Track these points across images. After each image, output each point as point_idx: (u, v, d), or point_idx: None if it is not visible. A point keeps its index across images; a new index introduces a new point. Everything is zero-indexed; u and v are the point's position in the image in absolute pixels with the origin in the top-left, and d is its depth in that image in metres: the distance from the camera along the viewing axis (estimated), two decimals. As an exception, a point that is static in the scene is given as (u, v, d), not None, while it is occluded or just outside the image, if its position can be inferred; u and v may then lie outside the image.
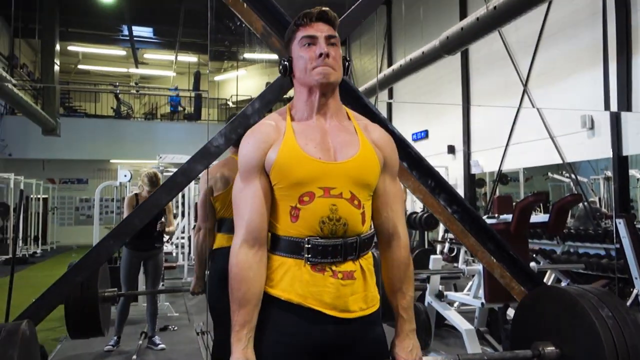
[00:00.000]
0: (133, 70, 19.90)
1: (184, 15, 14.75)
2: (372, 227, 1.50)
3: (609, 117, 7.43)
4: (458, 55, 9.88)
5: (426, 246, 9.09)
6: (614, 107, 7.30)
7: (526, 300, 2.17)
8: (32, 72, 18.11)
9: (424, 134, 12.43)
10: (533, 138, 8.91)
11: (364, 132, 1.49)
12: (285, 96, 2.22)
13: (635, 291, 5.14)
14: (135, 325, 5.26)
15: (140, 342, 4.74)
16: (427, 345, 4.24)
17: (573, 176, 8.52)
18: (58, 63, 14.11)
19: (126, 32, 17.19)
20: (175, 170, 2.95)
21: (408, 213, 8.68)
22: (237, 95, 19.06)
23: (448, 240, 8.24)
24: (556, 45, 8.52)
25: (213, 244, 3.06)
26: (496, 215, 4.98)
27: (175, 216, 8.76)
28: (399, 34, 13.42)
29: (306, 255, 1.36)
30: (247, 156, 1.42)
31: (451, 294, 4.63)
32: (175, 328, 5.46)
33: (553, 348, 1.86)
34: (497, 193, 9.96)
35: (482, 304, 3.96)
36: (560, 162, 8.47)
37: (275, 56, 2.20)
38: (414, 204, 9.88)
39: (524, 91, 9.20)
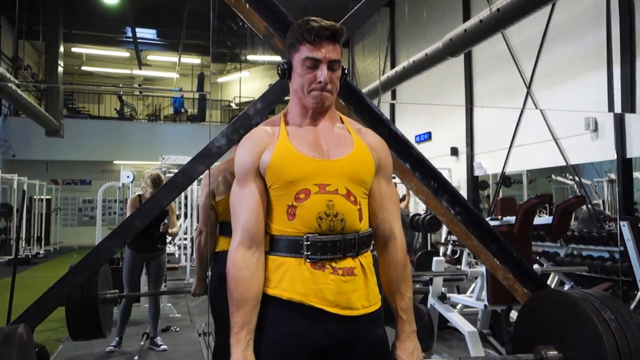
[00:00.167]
0: (136, 71, 19.94)
1: (188, 17, 14.79)
2: (370, 227, 1.51)
3: (612, 119, 7.40)
4: (461, 57, 9.87)
5: (429, 248, 9.08)
6: (617, 109, 7.28)
7: (528, 304, 2.16)
8: (36, 74, 18.18)
9: (427, 136, 12.41)
10: (536, 140, 8.89)
11: (358, 134, 1.51)
12: (287, 97, 2.22)
13: (639, 294, 5.11)
14: (137, 326, 5.25)
15: (142, 343, 4.73)
16: (429, 347, 4.21)
17: (577, 178, 8.49)
18: (62, 64, 14.18)
19: (130, 34, 17.24)
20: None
21: (411, 215, 8.66)
22: (240, 96, 19.09)
23: (451, 242, 8.23)
24: (560, 47, 8.50)
25: (215, 247, 3.06)
26: (499, 217, 4.96)
27: (177, 217, 8.76)
28: (402, 35, 13.42)
29: (305, 253, 1.36)
30: (242, 161, 1.45)
31: (454, 296, 4.61)
32: (177, 329, 5.45)
33: (555, 352, 1.85)
34: (500, 195, 9.93)
35: (485, 306, 3.94)
36: (564, 164, 8.44)
37: (278, 58, 2.20)
38: (417, 206, 9.86)
39: (527, 93, 9.18)
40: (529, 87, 9.15)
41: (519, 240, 3.91)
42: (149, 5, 14.76)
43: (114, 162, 16.54)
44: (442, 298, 4.35)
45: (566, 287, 5.20)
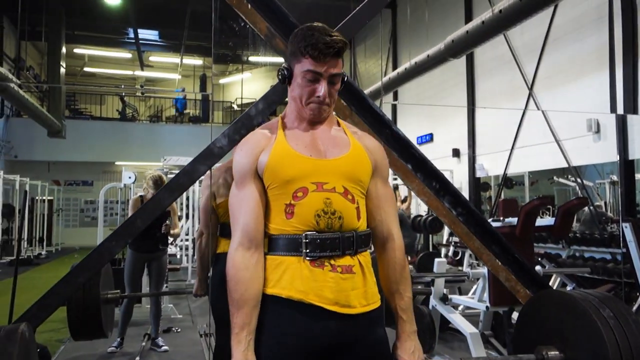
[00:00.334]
0: (138, 72, 19.97)
1: (190, 18, 14.79)
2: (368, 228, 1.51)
3: (615, 121, 7.38)
4: (463, 59, 9.85)
5: (430, 249, 9.07)
6: (620, 110, 7.26)
7: (528, 304, 2.16)
8: (38, 75, 18.21)
9: (429, 137, 12.40)
10: (538, 142, 8.87)
11: (355, 137, 1.53)
12: (287, 99, 2.21)
13: (641, 296, 5.10)
14: (138, 326, 5.26)
15: (144, 343, 4.74)
16: (431, 348, 4.21)
17: (579, 180, 8.47)
18: (64, 65, 14.20)
19: (132, 35, 17.25)
20: (179, 172, 2.94)
21: (412, 216, 8.65)
22: (242, 98, 19.12)
23: (453, 243, 8.21)
24: (562, 48, 8.48)
25: (216, 249, 3.06)
26: (501, 218, 4.95)
27: (179, 218, 8.77)
28: (404, 37, 13.41)
29: (304, 251, 1.37)
30: (241, 163, 1.46)
31: (456, 297, 4.60)
32: (179, 330, 5.45)
33: (557, 352, 1.85)
34: (502, 197, 9.91)
35: (486, 307, 3.94)
36: (566, 165, 8.42)
37: (280, 60, 2.20)
38: (419, 207, 9.85)
39: (530, 95, 9.17)
40: (531, 89, 9.13)
41: (521, 242, 3.90)
42: (150, 6, 14.77)
43: (116, 163, 16.55)
44: (444, 299, 4.35)
45: (568, 289, 5.19)
